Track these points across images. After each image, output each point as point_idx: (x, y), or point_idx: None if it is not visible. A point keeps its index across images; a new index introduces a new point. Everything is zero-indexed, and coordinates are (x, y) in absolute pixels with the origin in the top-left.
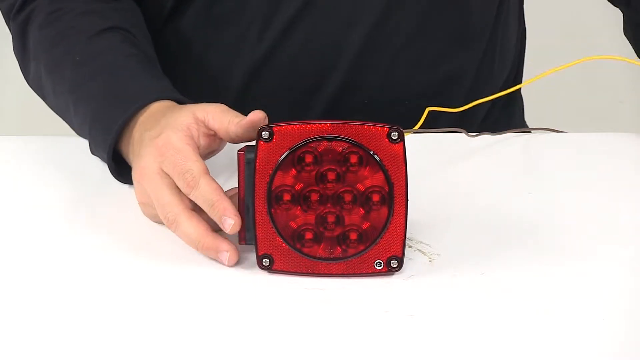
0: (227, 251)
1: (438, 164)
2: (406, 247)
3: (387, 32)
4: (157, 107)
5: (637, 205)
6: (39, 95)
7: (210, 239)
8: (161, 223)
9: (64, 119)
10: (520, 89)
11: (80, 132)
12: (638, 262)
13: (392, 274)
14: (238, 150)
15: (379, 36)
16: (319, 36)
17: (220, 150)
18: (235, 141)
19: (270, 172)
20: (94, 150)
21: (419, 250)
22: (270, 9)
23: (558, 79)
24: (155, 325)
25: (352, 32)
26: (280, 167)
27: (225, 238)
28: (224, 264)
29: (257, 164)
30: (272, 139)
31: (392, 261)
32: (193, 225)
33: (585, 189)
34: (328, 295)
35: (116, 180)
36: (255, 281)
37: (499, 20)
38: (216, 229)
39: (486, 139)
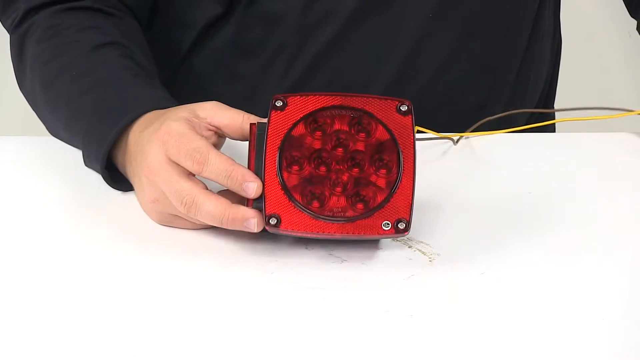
0: (253, 217)
1: (438, 163)
2: (406, 247)
3: (416, 65)
4: (153, 113)
5: (637, 205)
6: (30, 106)
7: (234, 209)
8: (168, 225)
9: (56, 136)
10: (554, 99)
11: (73, 146)
12: (638, 262)
13: (400, 236)
14: (250, 123)
15: (409, 69)
16: (349, 71)
17: (219, 148)
18: (239, 139)
19: (282, 137)
20: (87, 163)
21: (419, 250)
22: (298, 39)
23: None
24: (155, 324)
25: (382, 66)
26: (292, 130)
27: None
28: (252, 231)
29: (269, 131)
30: (285, 108)
31: (399, 224)
32: (213, 203)
33: (584, 189)
34: (328, 295)
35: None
36: (256, 281)
37: (532, 45)
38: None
39: (486, 138)
